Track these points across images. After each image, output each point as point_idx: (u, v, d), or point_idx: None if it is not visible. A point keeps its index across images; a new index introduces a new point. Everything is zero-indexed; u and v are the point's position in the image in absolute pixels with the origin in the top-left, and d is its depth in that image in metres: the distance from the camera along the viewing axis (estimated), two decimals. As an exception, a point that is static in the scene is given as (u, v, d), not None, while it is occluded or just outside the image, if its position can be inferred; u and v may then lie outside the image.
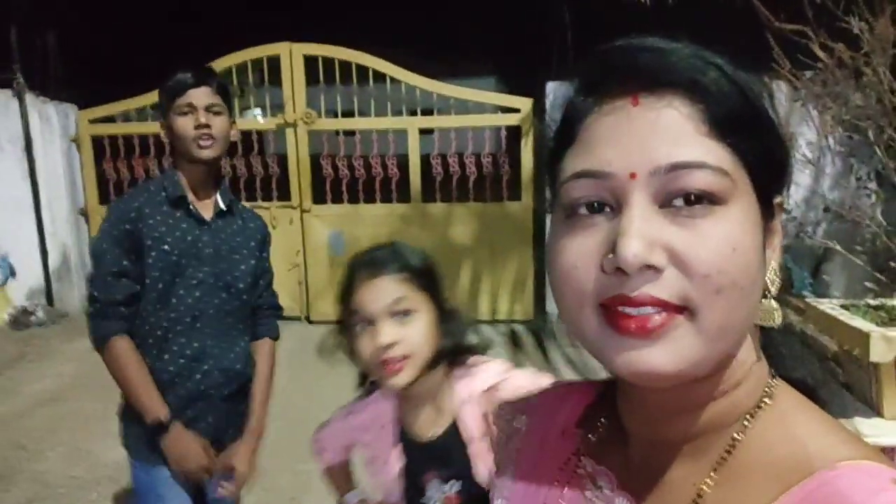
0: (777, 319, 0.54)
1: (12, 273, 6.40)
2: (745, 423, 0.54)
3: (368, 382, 1.44)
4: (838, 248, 2.96)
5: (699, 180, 0.49)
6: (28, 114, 6.21)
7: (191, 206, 1.92)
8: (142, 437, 1.89)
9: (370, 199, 6.27)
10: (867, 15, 2.47)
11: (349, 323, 1.31)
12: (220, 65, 6.11)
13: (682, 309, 0.49)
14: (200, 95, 1.90)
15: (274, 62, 6.14)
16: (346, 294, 1.31)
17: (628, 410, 0.61)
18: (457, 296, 6.20)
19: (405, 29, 6.75)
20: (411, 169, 6.14)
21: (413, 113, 6.25)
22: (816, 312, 2.22)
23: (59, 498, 3.36)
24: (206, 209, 1.97)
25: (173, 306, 1.89)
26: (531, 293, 6.19)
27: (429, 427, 1.37)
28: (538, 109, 5.94)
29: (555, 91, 5.89)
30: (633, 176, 0.49)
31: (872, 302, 2.34)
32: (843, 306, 2.23)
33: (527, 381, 1.32)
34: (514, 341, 5.70)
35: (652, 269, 0.48)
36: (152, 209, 1.88)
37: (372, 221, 6.19)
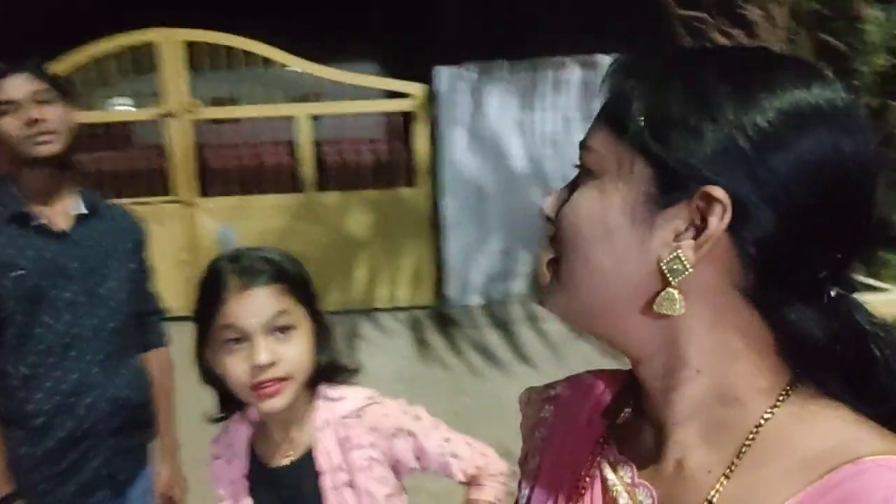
0: (676, 309, 0.54)
1: None
2: (766, 415, 0.55)
3: (230, 406, 1.28)
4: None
5: (583, 156, 0.60)
6: None
7: (35, 222, 1.65)
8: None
9: (261, 191, 6.05)
10: (766, 3, 2.56)
11: (214, 338, 1.16)
12: (89, 52, 5.72)
13: (555, 259, 0.60)
14: (20, 86, 1.60)
15: (151, 49, 5.80)
16: (212, 305, 1.15)
17: (643, 395, 0.64)
18: (355, 286, 6.11)
19: (288, 12, 6.54)
20: (302, 158, 5.98)
21: (303, 99, 6.08)
22: None
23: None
24: (61, 218, 1.69)
25: (40, 337, 1.63)
26: (431, 279, 6.19)
27: (282, 453, 1.24)
28: (430, 94, 5.92)
29: (445, 75, 5.89)
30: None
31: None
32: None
33: (395, 409, 1.24)
34: (417, 328, 5.68)
35: (548, 220, 0.62)
36: None
37: (264, 213, 5.98)
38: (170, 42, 5.78)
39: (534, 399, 0.79)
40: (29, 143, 1.60)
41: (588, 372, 0.77)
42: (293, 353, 1.15)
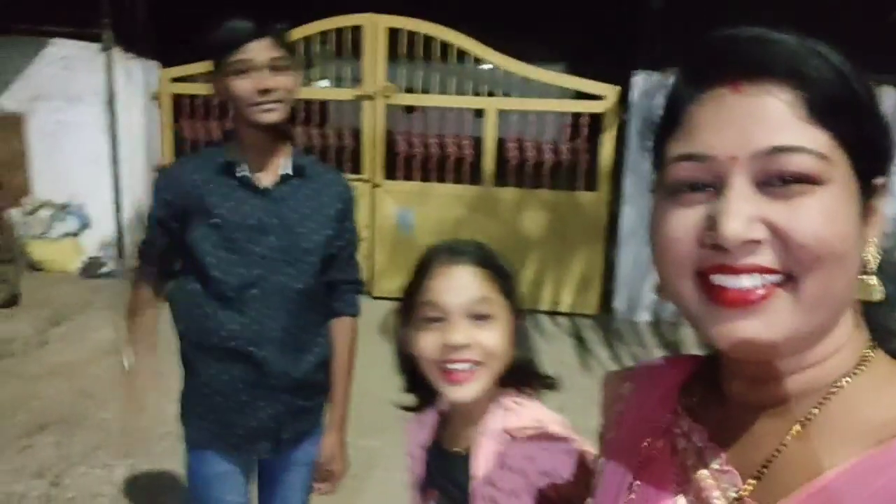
0: (877, 294, 0.55)
1: (87, 224, 6.55)
2: (838, 386, 0.56)
3: (423, 394, 1.26)
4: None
5: (798, 163, 0.51)
6: (113, 69, 6.31)
7: (241, 174, 1.70)
8: (192, 417, 1.83)
9: (441, 179, 6.17)
10: None
11: (414, 316, 1.15)
12: (302, 32, 6.09)
13: (784, 279, 0.52)
14: (260, 50, 1.61)
15: (355, 33, 6.07)
16: (418, 282, 1.16)
17: (727, 375, 0.65)
18: (520, 283, 6.05)
19: (487, 6, 6.59)
20: (485, 151, 6.01)
21: (492, 93, 6.10)
22: None
23: (123, 447, 3.37)
24: (268, 177, 1.73)
25: (227, 283, 1.69)
26: (598, 288, 6.00)
27: (454, 440, 1.21)
28: (623, 99, 5.71)
29: (642, 82, 5.66)
30: (734, 159, 0.53)
31: None
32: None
33: (559, 449, 1.11)
34: (579, 336, 5.52)
35: (753, 243, 0.52)
36: (208, 178, 1.71)
37: (442, 201, 6.08)
38: (375, 27, 6.02)
39: (613, 378, 0.83)
40: (256, 110, 1.63)
41: (666, 357, 0.81)
42: (489, 341, 1.11)
